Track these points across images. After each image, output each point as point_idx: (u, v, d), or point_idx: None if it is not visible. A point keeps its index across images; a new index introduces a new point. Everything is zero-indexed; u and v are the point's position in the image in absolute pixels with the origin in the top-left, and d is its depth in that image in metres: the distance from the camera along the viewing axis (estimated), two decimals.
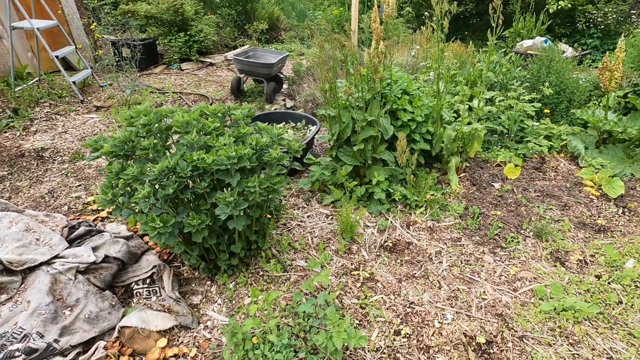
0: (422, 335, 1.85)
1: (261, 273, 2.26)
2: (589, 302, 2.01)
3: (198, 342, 1.86)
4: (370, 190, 2.83)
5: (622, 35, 3.45)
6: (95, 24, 5.60)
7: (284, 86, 5.24)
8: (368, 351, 1.79)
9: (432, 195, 2.94)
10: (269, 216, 2.58)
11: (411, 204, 2.85)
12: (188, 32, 6.11)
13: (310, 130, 3.52)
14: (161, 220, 1.67)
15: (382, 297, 2.09)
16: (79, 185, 3.14)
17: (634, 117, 3.48)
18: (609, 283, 2.14)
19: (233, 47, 6.94)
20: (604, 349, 1.76)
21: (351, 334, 1.68)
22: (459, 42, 4.92)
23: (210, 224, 1.91)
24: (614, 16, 7.25)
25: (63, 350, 1.66)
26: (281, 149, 2.02)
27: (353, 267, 2.31)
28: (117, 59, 5.03)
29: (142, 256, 2.23)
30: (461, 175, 3.31)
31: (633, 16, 7.49)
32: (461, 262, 2.35)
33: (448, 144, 3.10)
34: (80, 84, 5.03)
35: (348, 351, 1.79)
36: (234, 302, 2.09)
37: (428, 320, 1.94)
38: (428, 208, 2.84)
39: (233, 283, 2.20)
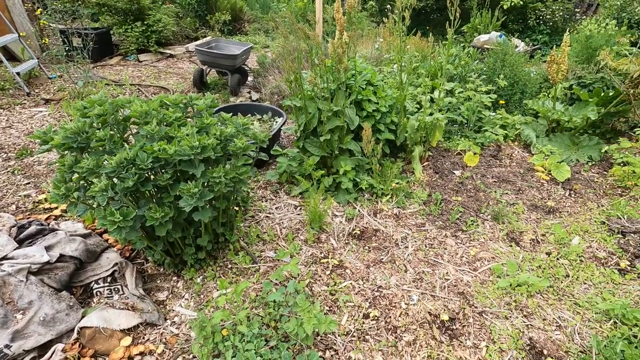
0: (390, 317, 1.92)
1: (230, 266, 2.23)
2: (540, 277, 2.16)
3: (165, 338, 1.81)
4: (338, 180, 2.87)
5: (567, 31, 3.70)
6: (40, 10, 5.19)
7: (249, 79, 5.15)
8: (338, 335, 1.83)
9: (397, 183, 3.02)
10: (236, 208, 2.54)
11: (377, 192, 2.91)
12: (145, 22, 5.82)
13: (276, 122, 3.49)
14: (121, 213, 1.60)
15: (351, 283, 2.13)
16: (28, 183, 2.93)
17: (578, 107, 3.75)
18: (557, 259, 2.31)
19: (194, 38, 6.70)
20: (554, 318, 1.91)
21: (321, 320, 1.71)
22: (419, 35, 5.05)
23: (175, 217, 1.85)
24: (561, 14, 7.75)
25: (16, 356, 1.56)
26: (248, 141, 1.99)
27: (322, 255, 2.34)
28: (67, 49, 4.70)
29: (102, 254, 2.13)
30: (425, 164, 3.43)
31: (577, 14, 8.06)
32: (425, 246, 2.44)
33: (412, 133, 3.20)
34: (25, 75, 4.65)
35: (319, 337, 1.82)
36: (202, 296, 2.05)
37: (395, 303, 2.00)
38: (394, 196, 2.92)
39: (201, 277, 2.15)
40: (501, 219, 2.65)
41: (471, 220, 2.65)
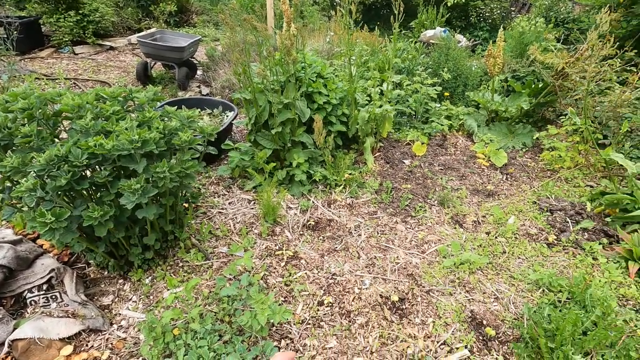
0: (344, 302, 1.97)
1: (181, 264, 2.16)
2: (481, 255, 2.33)
3: (111, 343, 1.72)
4: (291, 173, 2.87)
5: (502, 27, 3.98)
6: None
7: (199, 72, 4.97)
8: (294, 324, 1.85)
9: (350, 174, 3.09)
10: (186, 205, 2.46)
11: (331, 183, 2.96)
12: (80, 11, 5.38)
13: (227, 117, 3.42)
14: (53, 214, 1.49)
15: (305, 273, 2.16)
16: None
17: (513, 98, 4.05)
18: (496, 237, 2.51)
19: (137, 30, 6.31)
20: (492, 291, 2.07)
21: (275, 310, 1.72)
22: (366, 30, 5.16)
23: (117, 215, 1.75)
24: (499, 12, 8.30)
25: None
26: (194, 134, 1.93)
27: (277, 247, 2.34)
28: None
29: (35, 261, 1.96)
30: (376, 154, 3.53)
31: (513, 12, 8.68)
32: (377, 232, 2.53)
33: (362, 125, 3.28)
34: None
35: (274, 327, 1.82)
36: (151, 297, 1.97)
37: (349, 288, 2.06)
38: (347, 186, 2.99)
39: (150, 278, 2.07)
40: (446, 203, 2.81)
41: (419, 206, 2.78)
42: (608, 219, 2.61)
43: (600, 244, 2.39)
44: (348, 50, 3.12)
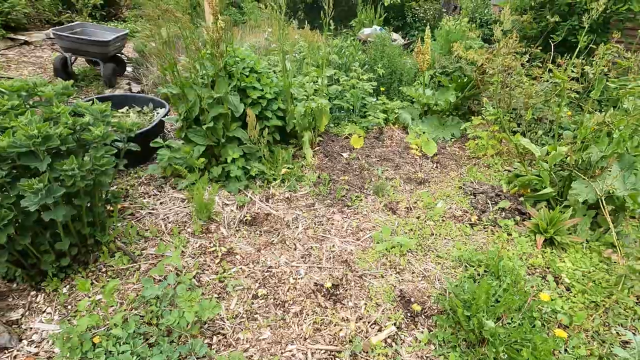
0: (279, 293, 1.98)
1: (104, 269, 2.02)
2: (411, 238, 2.46)
3: None
4: (227, 169, 2.82)
5: (428, 26, 4.23)
6: None
7: (129, 69, 4.68)
8: (227, 319, 1.82)
9: (289, 168, 3.10)
10: (112, 207, 2.31)
11: (269, 178, 2.95)
12: None
13: (158, 114, 3.26)
14: None
15: (241, 268, 2.13)
16: None
17: (442, 92, 4.32)
18: (425, 221, 2.66)
19: (57, 23, 5.77)
20: (420, 270, 2.20)
21: (205, 306, 1.68)
22: (308, 28, 5.22)
23: (20, 219, 1.60)
24: (432, 13, 8.80)
25: None
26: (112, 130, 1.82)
27: (212, 245, 2.28)
28: None
29: None
30: (316, 148, 3.58)
31: (445, 14, 9.25)
32: (315, 224, 2.57)
33: (299, 119, 3.30)
34: None
35: (206, 324, 1.78)
36: (69, 307, 1.82)
37: (284, 279, 2.07)
38: (286, 180, 2.99)
39: (67, 287, 1.91)
40: (381, 192, 2.93)
41: (355, 196, 2.87)
42: (522, 199, 2.88)
43: (514, 221, 2.64)
44: (281, 45, 3.13)
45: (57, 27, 3.88)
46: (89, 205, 1.90)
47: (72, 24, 4.31)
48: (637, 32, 4.17)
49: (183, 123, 2.79)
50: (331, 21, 4.48)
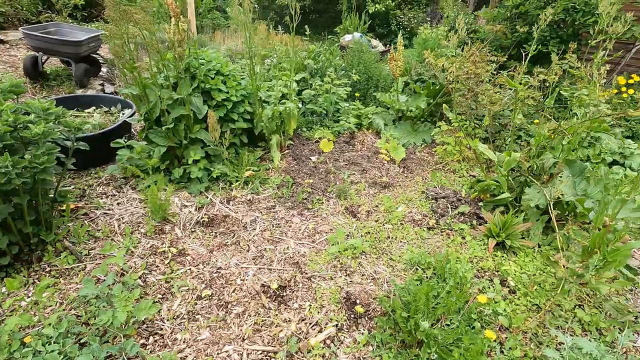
0: (224, 294, 1.97)
1: (48, 269, 2.00)
2: (367, 241, 2.47)
3: None
4: (188, 170, 2.81)
5: (400, 34, 4.30)
6: None
7: (104, 70, 4.67)
8: (167, 320, 1.81)
9: (253, 171, 3.10)
10: (63, 207, 2.29)
11: (232, 180, 2.95)
12: None
13: (124, 114, 3.25)
14: None
15: (190, 269, 2.13)
16: None
17: (414, 99, 4.38)
18: (383, 224, 2.68)
19: (36, 23, 5.75)
20: (371, 273, 2.21)
21: (141, 306, 1.67)
22: (285, 34, 5.28)
23: None
24: (415, 21, 8.94)
25: None
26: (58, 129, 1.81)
27: (164, 245, 2.27)
28: None
29: None
30: (285, 152, 3.60)
31: (429, 22, 9.39)
32: (273, 226, 2.57)
33: (267, 123, 3.32)
34: None
35: (144, 324, 1.76)
36: (4, 308, 1.79)
37: (231, 280, 2.07)
38: (250, 183, 3.00)
39: (5, 287, 1.88)
40: (343, 195, 2.95)
41: (317, 199, 2.88)
42: (481, 203, 2.92)
43: (471, 225, 2.67)
44: (248, 48, 3.15)
45: (27, 27, 3.86)
46: (34, 203, 1.88)
47: (47, 23, 4.31)
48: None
49: (145, 124, 2.79)
50: (307, 26, 4.53)
